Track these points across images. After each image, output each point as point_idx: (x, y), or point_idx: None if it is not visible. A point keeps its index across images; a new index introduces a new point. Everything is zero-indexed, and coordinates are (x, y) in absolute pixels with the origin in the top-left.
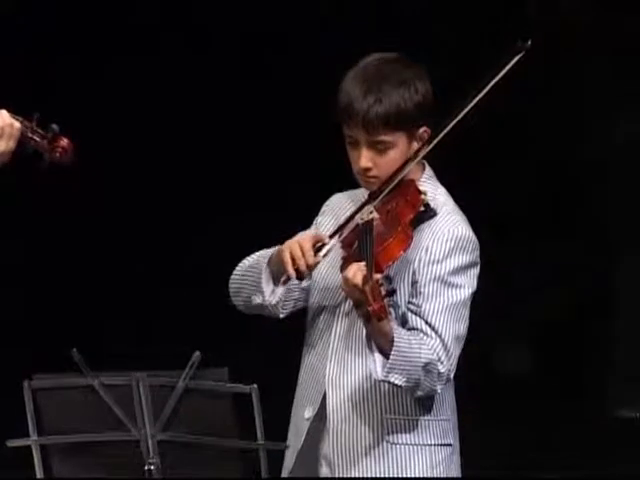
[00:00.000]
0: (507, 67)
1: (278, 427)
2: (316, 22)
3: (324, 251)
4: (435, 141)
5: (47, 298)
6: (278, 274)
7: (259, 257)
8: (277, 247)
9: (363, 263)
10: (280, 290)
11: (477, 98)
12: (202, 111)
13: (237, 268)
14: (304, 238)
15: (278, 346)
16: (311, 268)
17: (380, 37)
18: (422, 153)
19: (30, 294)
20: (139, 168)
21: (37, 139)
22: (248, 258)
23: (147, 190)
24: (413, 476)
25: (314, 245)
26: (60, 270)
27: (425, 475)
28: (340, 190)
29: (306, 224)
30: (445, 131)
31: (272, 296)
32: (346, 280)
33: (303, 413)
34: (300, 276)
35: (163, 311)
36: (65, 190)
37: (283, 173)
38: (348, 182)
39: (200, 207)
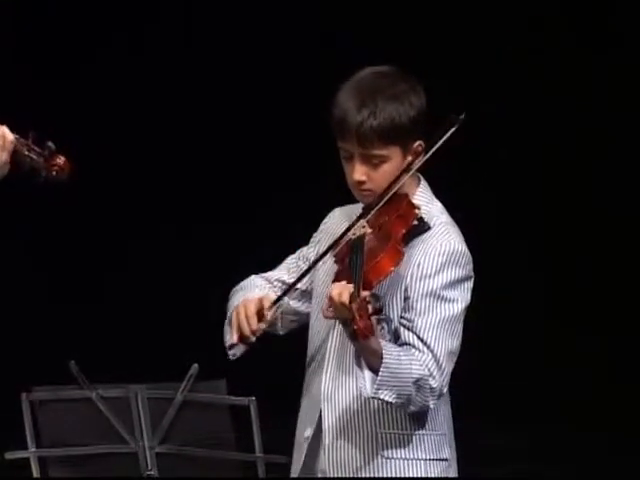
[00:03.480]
0: (442, 140)
1: (277, 439)
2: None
3: (269, 315)
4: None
5: (45, 310)
6: None
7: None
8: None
9: (346, 282)
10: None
11: (411, 172)
12: (193, 115)
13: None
14: (249, 302)
15: (277, 358)
16: (255, 334)
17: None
18: (414, 167)
19: (28, 306)
20: (138, 174)
21: (34, 157)
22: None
23: (143, 198)
24: None
25: (259, 310)
26: (57, 281)
27: None
28: (337, 198)
29: (305, 231)
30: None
31: (239, 350)
32: (331, 299)
33: (304, 433)
34: (245, 342)
35: (161, 323)
36: (62, 200)
37: (278, 180)
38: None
39: (197, 215)
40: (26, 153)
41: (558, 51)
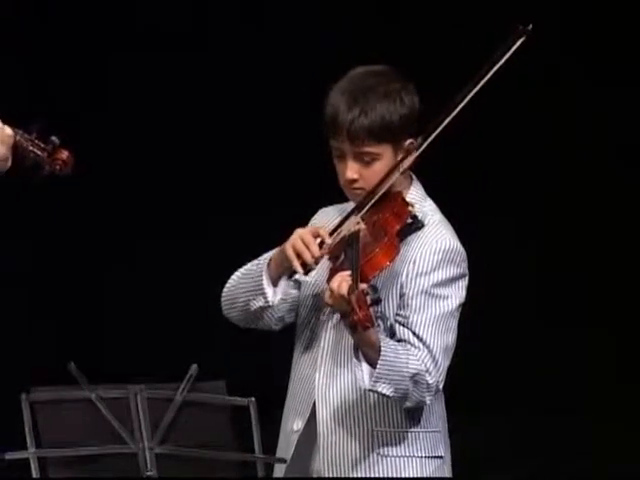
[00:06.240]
0: (509, 53)
1: (276, 440)
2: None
3: (327, 245)
4: (429, 140)
5: (45, 310)
6: (279, 274)
7: (253, 264)
8: (275, 249)
9: (348, 272)
10: (281, 289)
11: (479, 86)
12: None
13: (230, 280)
14: (305, 232)
15: (276, 359)
16: (317, 260)
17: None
18: (409, 159)
19: (29, 307)
20: (141, 179)
21: (37, 152)
22: (240, 269)
23: (145, 198)
24: None
25: (315, 238)
26: (59, 283)
27: None
28: (328, 198)
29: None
30: (442, 126)
31: (274, 296)
32: (331, 291)
33: (292, 425)
34: (307, 269)
35: (160, 324)
36: (60, 200)
37: (275, 179)
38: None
39: (199, 214)
40: (30, 148)
41: (558, 52)
